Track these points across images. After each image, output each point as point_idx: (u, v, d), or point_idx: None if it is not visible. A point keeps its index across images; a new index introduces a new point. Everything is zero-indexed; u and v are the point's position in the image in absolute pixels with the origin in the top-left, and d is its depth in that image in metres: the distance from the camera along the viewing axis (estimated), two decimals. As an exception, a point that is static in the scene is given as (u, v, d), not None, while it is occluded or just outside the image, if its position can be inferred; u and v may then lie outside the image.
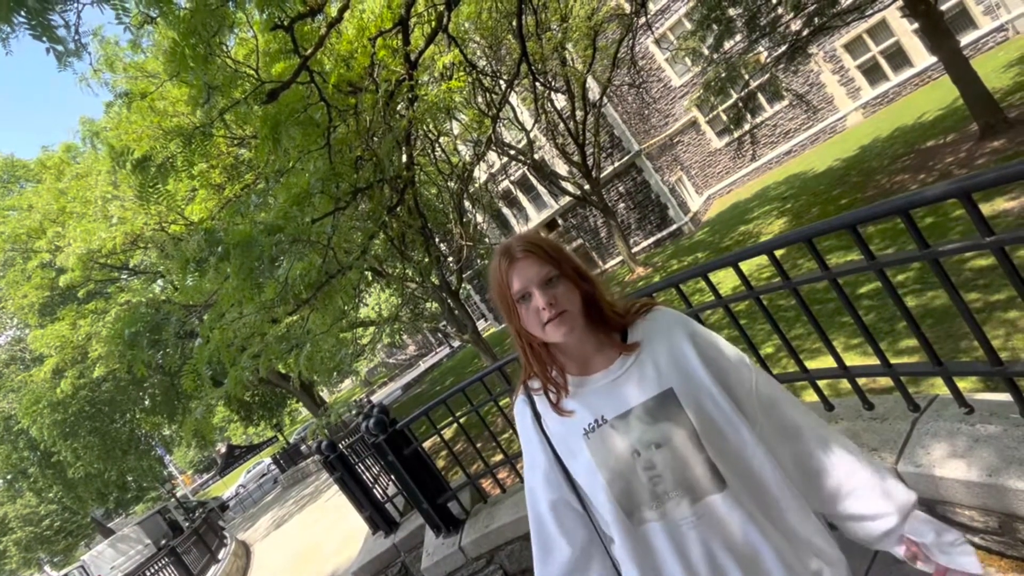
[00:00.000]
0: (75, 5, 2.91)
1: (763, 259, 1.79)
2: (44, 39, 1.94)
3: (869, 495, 0.94)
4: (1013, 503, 1.33)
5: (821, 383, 2.05)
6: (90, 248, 10.46)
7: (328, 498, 12.04)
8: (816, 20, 9.68)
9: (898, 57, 16.93)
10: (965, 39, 15.16)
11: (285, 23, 3.11)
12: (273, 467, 24.72)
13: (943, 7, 14.60)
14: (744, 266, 1.96)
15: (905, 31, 16.26)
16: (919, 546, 0.91)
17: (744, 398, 0.98)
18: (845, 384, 4.04)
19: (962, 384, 3.36)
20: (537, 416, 1.06)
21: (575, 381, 1.01)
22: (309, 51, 3.38)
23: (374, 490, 4.50)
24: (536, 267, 0.95)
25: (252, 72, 4.12)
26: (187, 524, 13.58)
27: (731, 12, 10.45)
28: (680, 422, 0.93)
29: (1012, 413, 1.47)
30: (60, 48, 2.10)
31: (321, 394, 23.84)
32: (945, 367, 1.60)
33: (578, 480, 1.02)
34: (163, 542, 15.53)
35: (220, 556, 11.51)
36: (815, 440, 0.98)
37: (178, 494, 29.71)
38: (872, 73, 17.45)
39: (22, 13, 1.79)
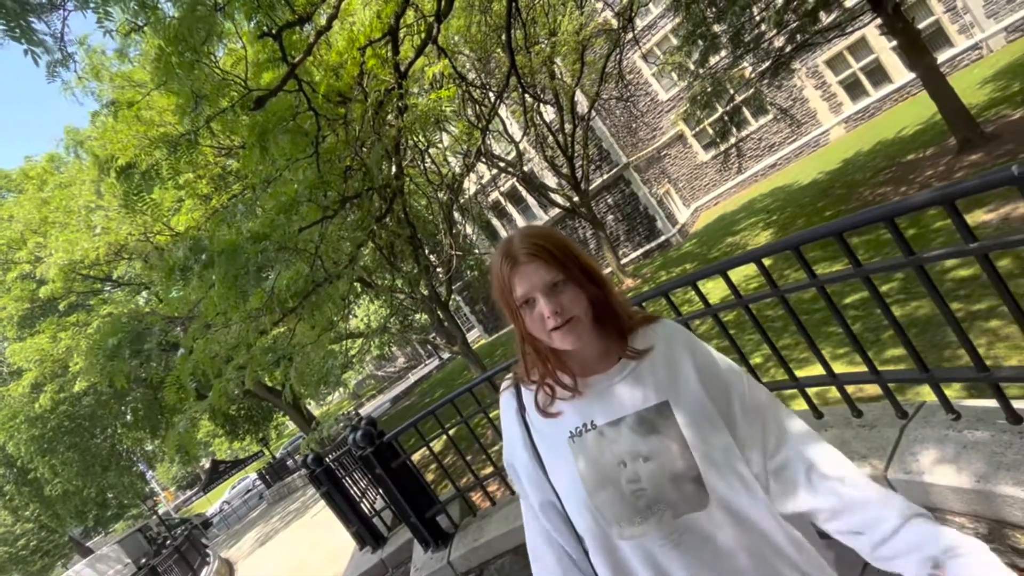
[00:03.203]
0: (60, 13, 2.89)
1: (750, 271, 1.82)
2: (23, 42, 1.91)
3: (864, 501, 0.84)
4: (1002, 509, 1.33)
5: (810, 391, 2.05)
6: (72, 258, 10.28)
7: (315, 513, 11.81)
8: (798, 37, 9.91)
9: (878, 73, 17.38)
10: (941, 56, 15.62)
11: (273, 31, 3.10)
12: (258, 482, 24.26)
13: (920, 25, 15.04)
14: (732, 277, 1.97)
15: (884, 48, 16.71)
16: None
17: (732, 408, 0.94)
18: (833, 394, 4.07)
19: (946, 393, 3.39)
20: (522, 409, 1.02)
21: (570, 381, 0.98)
22: (297, 59, 3.38)
23: (361, 504, 4.43)
24: (541, 272, 0.89)
25: (240, 82, 4.10)
26: (168, 541, 13.23)
27: (716, 28, 10.67)
28: (672, 436, 0.89)
29: (999, 419, 1.48)
30: (39, 51, 2.06)
31: (309, 408, 23.50)
32: (932, 373, 1.61)
33: (556, 485, 0.97)
34: (143, 561, 15.11)
35: (202, 574, 11.21)
36: (803, 447, 0.92)
37: (160, 511, 29.00)
38: (853, 89, 17.88)
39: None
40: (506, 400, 1.07)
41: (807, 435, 0.94)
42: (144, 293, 14.17)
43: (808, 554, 0.93)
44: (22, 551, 24.12)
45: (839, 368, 1.99)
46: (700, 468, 0.88)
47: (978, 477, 1.37)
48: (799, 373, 2.04)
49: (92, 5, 2.46)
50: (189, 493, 51.33)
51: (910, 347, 1.64)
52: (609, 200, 19.02)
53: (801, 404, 2.11)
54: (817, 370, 1.97)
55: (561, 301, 0.89)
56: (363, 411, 30.40)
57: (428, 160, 12.01)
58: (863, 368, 1.81)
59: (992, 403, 1.51)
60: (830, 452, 0.92)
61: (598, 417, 0.93)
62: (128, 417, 16.04)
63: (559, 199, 16.20)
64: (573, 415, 0.95)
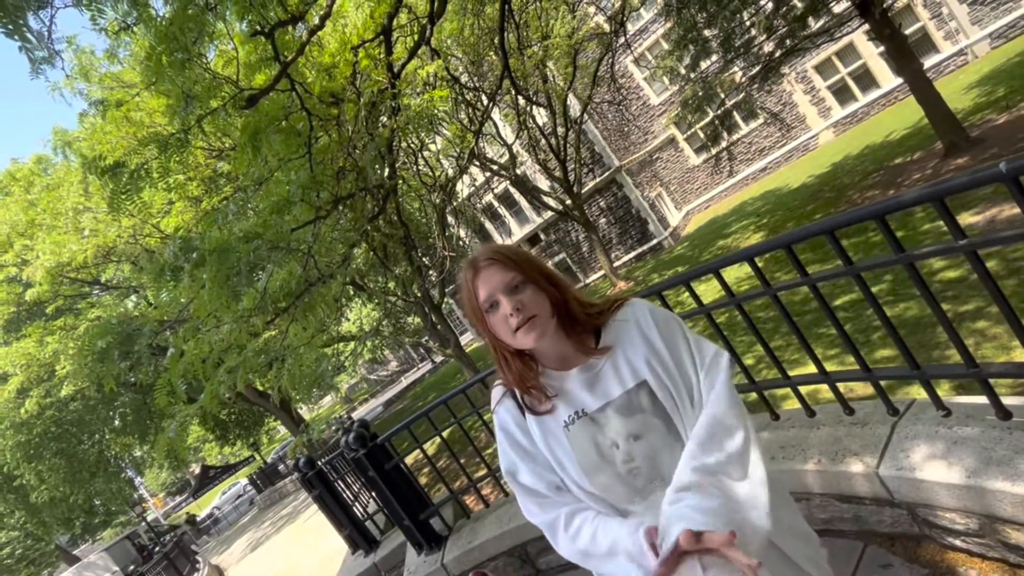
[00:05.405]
0: (50, 10, 2.86)
1: (742, 274, 1.83)
2: (15, 38, 1.89)
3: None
4: (992, 504, 1.34)
5: (802, 390, 2.06)
6: (60, 261, 10.16)
7: (307, 518, 11.72)
8: (787, 42, 10.01)
9: (866, 78, 17.60)
10: (928, 62, 15.84)
11: (266, 30, 3.09)
12: (249, 488, 24.03)
13: (907, 31, 15.27)
14: (725, 278, 1.98)
15: (872, 54, 16.93)
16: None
17: (693, 376, 0.97)
18: (824, 394, 4.10)
19: (936, 391, 3.43)
20: (522, 411, 1.06)
21: (554, 376, 1.02)
22: (290, 58, 3.36)
23: (354, 508, 4.39)
24: (500, 274, 0.96)
25: (231, 83, 4.07)
26: (156, 548, 13.00)
27: (707, 33, 10.76)
28: (656, 413, 0.95)
29: (988, 415, 1.49)
30: (32, 42, 2.04)
31: (300, 412, 23.30)
32: (923, 370, 1.63)
33: (560, 475, 1.02)
34: (131, 568, 14.88)
35: (191, 581, 11.08)
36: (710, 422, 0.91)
37: (149, 518, 28.62)
38: (841, 93, 18.09)
39: (-2, 11, 1.74)
40: (505, 409, 1.08)
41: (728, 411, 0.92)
42: (133, 297, 13.99)
43: (801, 530, 1.01)
44: (7, 560, 23.64)
45: (829, 368, 2.00)
46: (684, 440, 0.94)
47: (968, 472, 1.38)
48: (791, 373, 2.05)
49: (85, 2, 2.44)
50: (179, 499, 50.70)
51: (901, 344, 1.66)
52: (601, 203, 19.08)
53: (794, 403, 2.12)
54: (809, 369, 1.98)
55: (522, 299, 0.95)
56: (355, 415, 30.19)
57: (421, 162, 12.00)
58: (855, 367, 1.83)
59: (982, 400, 1.53)
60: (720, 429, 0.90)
61: (587, 405, 0.99)
62: (116, 422, 15.81)
63: (552, 202, 16.23)
64: (564, 407, 1.00)
